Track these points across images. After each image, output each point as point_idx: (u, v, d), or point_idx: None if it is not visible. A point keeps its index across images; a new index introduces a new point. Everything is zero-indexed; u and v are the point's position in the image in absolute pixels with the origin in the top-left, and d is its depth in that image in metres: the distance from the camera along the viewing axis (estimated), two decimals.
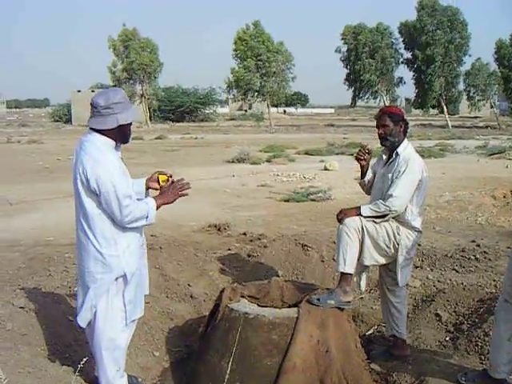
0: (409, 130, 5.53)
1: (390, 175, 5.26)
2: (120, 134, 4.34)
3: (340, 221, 5.21)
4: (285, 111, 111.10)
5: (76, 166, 4.24)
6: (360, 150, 5.68)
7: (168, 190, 4.60)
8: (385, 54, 65.76)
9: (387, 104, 65.92)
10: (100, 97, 4.24)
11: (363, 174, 5.75)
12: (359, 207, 5.22)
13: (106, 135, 4.27)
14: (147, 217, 4.36)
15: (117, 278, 4.37)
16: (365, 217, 5.15)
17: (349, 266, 5.10)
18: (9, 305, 5.68)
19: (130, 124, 4.42)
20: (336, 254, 5.23)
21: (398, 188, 5.11)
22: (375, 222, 5.17)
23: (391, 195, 5.09)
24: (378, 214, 5.16)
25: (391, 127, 5.31)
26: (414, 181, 5.20)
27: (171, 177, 4.70)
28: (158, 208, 4.45)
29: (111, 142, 4.32)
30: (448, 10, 62.22)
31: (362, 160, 5.67)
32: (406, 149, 5.33)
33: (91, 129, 4.29)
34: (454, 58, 62.83)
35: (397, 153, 5.30)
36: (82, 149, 4.25)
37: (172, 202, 4.59)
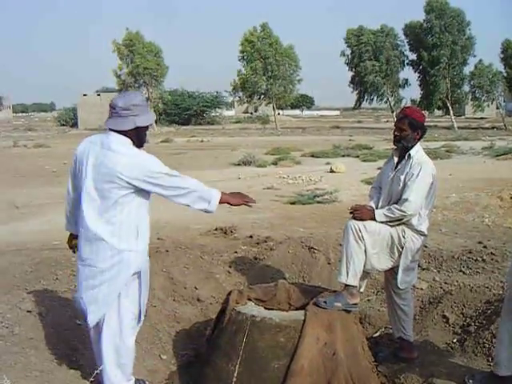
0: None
1: (402, 177, 5.24)
2: (136, 137, 4.41)
3: (354, 218, 5.21)
4: (279, 113, 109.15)
5: (103, 166, 4.25)
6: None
7: (237, 194, 4.80)
8: (389, 56, 65.67)
9: (392, 106, 65.93)
10: (120, 98, 4.34)
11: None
12: (374, 212, 5.22)
13: (124, 135, 4.34)
14: (210, 202, 4.48)
15: (133, 275, 4.41)
16: (379, 222, 5.16)
17: (352, 278, 5.11)
18: (16, 309, 5.70)
19: (147, 128, 4.49)
20: (340, 263, 5.23)
21: (413, 192, 5.09)
22: (390, 226, 5.17)
23: (407, 199, 5.07)
24: (393, 219, 5.16)
25: (408, 133, 5.28)
26: (428, 184, 5.20)
27: None
28: (221, 202, 4.59)
29: (130, 141, 4.38)
30: (453, 11, 62.15)
31: None
32: (419, 151, 5.31)
33: (109, 129, 4.36)
34: (461, 59, 62.77)
35: (409, 155, 5.28)
36: (105, 148, 4.29)
37: (235, 204, 4.77)
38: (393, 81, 67.58)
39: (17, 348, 5.00)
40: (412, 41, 65.85)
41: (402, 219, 5.15)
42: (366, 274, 5.36)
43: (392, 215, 5.13)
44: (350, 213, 5.29)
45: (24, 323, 5.45)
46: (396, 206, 5.14)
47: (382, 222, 5.16)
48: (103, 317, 4.44)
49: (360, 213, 5.22)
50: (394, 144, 5.44)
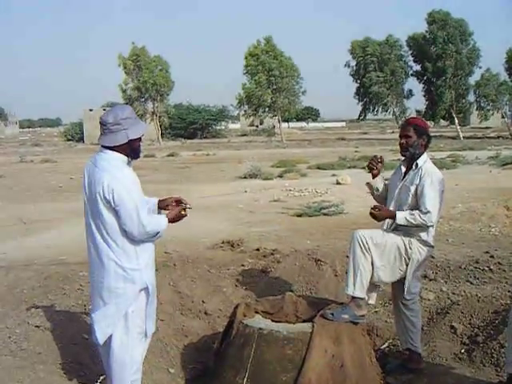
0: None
1: (412, 187, 5.26)
2: (131, 150, 4.43)
3: (375, 217, 5.28)
4: (274, 126, 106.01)
5: (92, 184, 4.30)
6: (372, 159, 5.66)
7: (173, 209, 4.68)
8: (395, 67, 65.87)
9: (397, 116, 66.04)
10: (108, 114, 4.37)
11: (374, 185, 5.73)
12: (395, 213, 5.22)
13: (117, 151, 4.36)
14: (158, 232, 4.45)
15: (140, 291, 4.40)
16: (398, 224, 5.20)
17: (359, 290, 5.12)
18: (24, 324, 5.72)
19: (140, 140, 4.51)
20: (347, 275, 5.25)
21: (431, 203, 5.12)
22: (397, 236, 5.20)
23: (429, 211, 5.09)
24: (412, 225, 5.18)
25: (414, 139, 5.32)
26: (439, 194, 5.22)
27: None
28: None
29: (123, 158, 4.39)
30: (455, 22, 62.38)
31: (374, 170, 5.66)
32: (427, 162, 5.34)
33: (103, 146, 4.38)
34: (467, 70, 62.88)
35: (417, 164, 5.31)
36: (97, 167, 4.32)
37: (177, 220, 4.67)
38: (397, 92, 67.74)
39: (25, 363, 5.02)
40: (415, 52, 66.06)
41: (418, 227, 5.17)
42: (374, 286, 5.38)
43: (413, 221, 5.13)
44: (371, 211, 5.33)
45: (32, 338, 5.47)
46: (419, 212, 5.14)
47: (394, 230, 5.21)
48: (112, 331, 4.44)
49: (379, 212, 5.26)
50: (401, 154, 5.47)
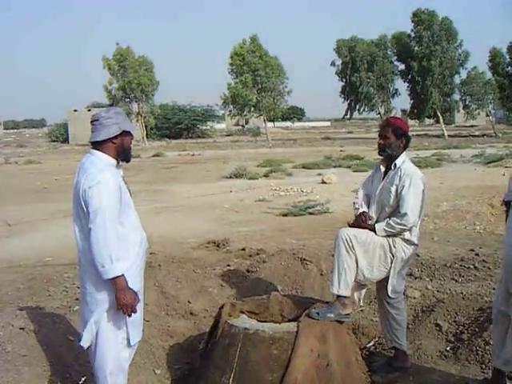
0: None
1: (392, 188, 5.27)
2: (122, 149, 4.38)
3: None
4: (243, 126, 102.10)
5: (76, 186, 4.24)
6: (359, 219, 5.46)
7: (133, 295, 4.26)
8: (385, 68, 65.93)
9: (382, 115, 66.14)
10: (100, 111, 4.38)
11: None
12: (374, 227, 5.26)
13: (106, 153, 4.31)
14: (104, 267, 4.10)
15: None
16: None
17: (344, 289, 5.13)
18: (9, 326, 5.67)
19: (131, 141, 4.48)
20: (332, 274, 5.25)
21: (409, 204, 5.15)
22: (382, 236, 5.22)
23: (405, 213, 5.13)
24: (393, 233, 5.20)
25: (392, 140, 5.33)
26: (420, 194, 5.24)
27: None
28: (117, 283, 4.16)
29: (112, 161, 4.34)
30: (442, 21, 62.62)
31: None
32: (405, 162, 5.35)
33: (93, 148, 4.33)
34: (453, 70, 63.12)
35: (395, 164, 5.33)
36: (82, 168, 4.27)
37: (122, 301, 4.19)
38: (385, 91, 67.90)
39: (9, 365, 4.98)
40: (399, 51, 66.20)
41: (402, 232, 5.20)
42: (362, 285, 5.39)
43: (393, 230, 5.19)
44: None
45: (17, 340, 5.42)
46: (395, 219, 5.17)
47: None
48: (95, 338, 4.37)
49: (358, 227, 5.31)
50: (379, 153, 5.49)
